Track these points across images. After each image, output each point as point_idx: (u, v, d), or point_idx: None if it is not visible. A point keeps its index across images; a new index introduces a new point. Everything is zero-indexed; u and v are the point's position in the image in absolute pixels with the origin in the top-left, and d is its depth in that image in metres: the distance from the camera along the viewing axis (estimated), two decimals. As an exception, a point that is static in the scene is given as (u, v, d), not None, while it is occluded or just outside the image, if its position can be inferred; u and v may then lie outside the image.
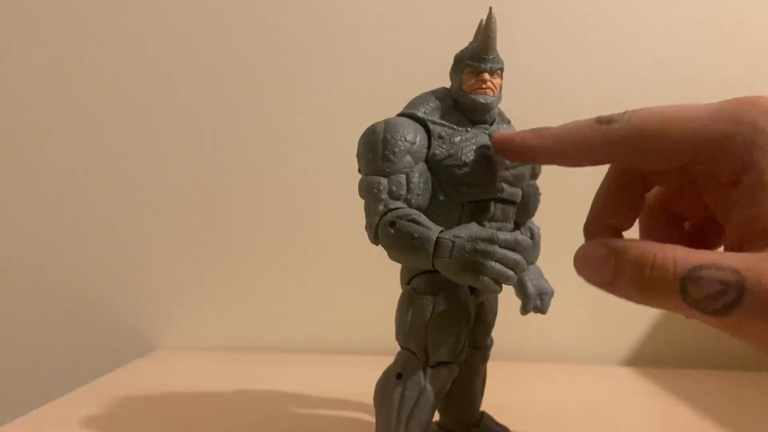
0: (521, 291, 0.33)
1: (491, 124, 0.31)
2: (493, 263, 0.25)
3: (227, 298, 0.63)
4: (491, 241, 0.25)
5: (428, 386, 0.30)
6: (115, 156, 0.63)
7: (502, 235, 0.25)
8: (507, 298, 0.33)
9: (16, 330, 0.64)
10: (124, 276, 0.63)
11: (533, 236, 0.34)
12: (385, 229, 0.27)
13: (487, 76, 0.30)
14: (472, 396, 0.35)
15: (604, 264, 0.22)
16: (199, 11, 0.62)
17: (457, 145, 0.29)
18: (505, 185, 0.30)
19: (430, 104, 0.31)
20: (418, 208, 0.29)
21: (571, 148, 0.24)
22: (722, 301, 0.19)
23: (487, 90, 0.30)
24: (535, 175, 0.34)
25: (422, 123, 0.30)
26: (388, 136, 0.29)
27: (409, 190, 0.29)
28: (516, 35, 0.59)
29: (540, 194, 0.34)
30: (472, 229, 0.26)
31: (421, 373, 0.30)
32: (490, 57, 0.30)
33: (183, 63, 0.62)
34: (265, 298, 0.63)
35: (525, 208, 0.33)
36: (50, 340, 0.64)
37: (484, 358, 0.35)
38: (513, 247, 0.25)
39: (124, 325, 0.63)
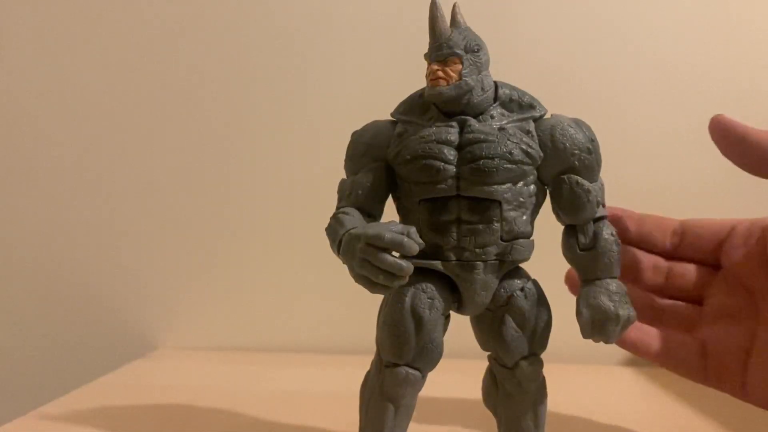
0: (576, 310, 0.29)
1: (481, 113, 0.28)
2: (355, 263, 0.25)
3: (227, 298, 0.63)
4: (360, 238, 0.25)
5: (380, 387, 0.29)
6: (114, 156, 0.63)
7: (389, 234, 0.24)
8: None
9: (16, 330, 0.64)
10: (124, 276, 0.63)
11: (597, 242, 0.29)
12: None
13: (435, 66, 0.28)
14: (515, 424, 0.31)
15: None
16: (196, 14, 0.62)
17: (406, 141, 0.29)
18: (471, 182, 0.27)
19: (409, 102, 0.30)
20: (360, 208, 0.29)
21: None
22: None
23: (439, 80, 0.28)
24: (524, 174, 0.28)
25: (395, 123, 0.30)
26: (354, 139, 0.30)
27: (352, 189, 0.29)
28: (521, 27, 0.59)
29: (589, 191, 0.28)
30: (371, 226, 0.26)
31: (378, 372, 0.29)
32: (436, 44, 0.28)
33: (185, 65, 0.62)
34: (265, 298, 0.63)
35: (562, 206, 0.29)
36: (50, 340, 0.63)
37: (519, 382, 0.29)
38: (393, 246, 0.24)
39: (124, 325, 0.63)
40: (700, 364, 0.34)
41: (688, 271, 0.35)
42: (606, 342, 0.28)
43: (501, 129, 0.28)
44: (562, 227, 0.31)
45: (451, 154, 0.27)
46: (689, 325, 0.35)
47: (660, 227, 0.35)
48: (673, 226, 0.35)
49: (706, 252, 0.34)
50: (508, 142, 0.27)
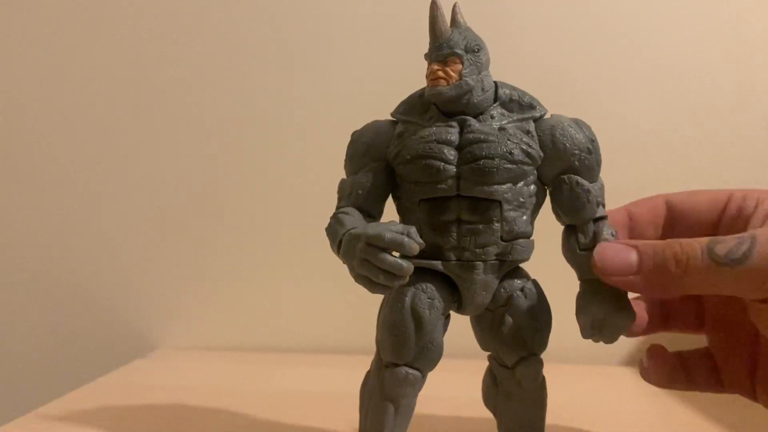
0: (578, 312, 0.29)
1: (481, 113, 0.28)
2: (355, 263, 0.25)
3: (227, 298, 0.63)
4: (360, 238, 0.25)
5: (380, 387, 0.29)
6: (113, 156, 0.63)
7: (389, 234, 0.25)
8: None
9: (16, 330, 0.64)
10: (124, 276, 0.63)
11: (597, 242, 0.28)
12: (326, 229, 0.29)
13: (435, 66, 0.28)
14: (515, 424, 0.31)
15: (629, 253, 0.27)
16: (195, 14, 0.62)
17: (406, 141, 0.29)
18: (471, 182, 0.27)
19: (409, 102, 0.30)
20: (360, 208, 0.29)
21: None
22: (740, 250, 0.24)
23: (438, 81, 0.28)
24: (524, 174, 0.28)
25: (395, 123, 0.30)
26: (354, 139, 0.31)
27: (352, 189, 0.29)
28: (521, 27, 0.59)
29: (589, 191, 0.29)
30: (371, 226, 0.26)
31: (378, 372, 0.29)
32: (436, 44, 0.28)
33: (182, 66, 0.62)
34: (265, 298, 0.63)
35: (562, 206, 0.29)
36: (50, 340, 0.63)
37: (519, 382, 0.30)
38: (393, 246, 0.25)
39: (124, 325, 0.63)
40: (716, 379, 0.34)
41: None
42: (606, 342, 0.28)
43: (501, 129, 0.28)
44: (562, 227, 0.31)
45: (451, 154, 0.27)
46: (694, 325, 0.34)
47: (650, 217, 0.34)
48: (663, 215, 0.34)
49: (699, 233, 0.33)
50: (509, 142, 0.27)
